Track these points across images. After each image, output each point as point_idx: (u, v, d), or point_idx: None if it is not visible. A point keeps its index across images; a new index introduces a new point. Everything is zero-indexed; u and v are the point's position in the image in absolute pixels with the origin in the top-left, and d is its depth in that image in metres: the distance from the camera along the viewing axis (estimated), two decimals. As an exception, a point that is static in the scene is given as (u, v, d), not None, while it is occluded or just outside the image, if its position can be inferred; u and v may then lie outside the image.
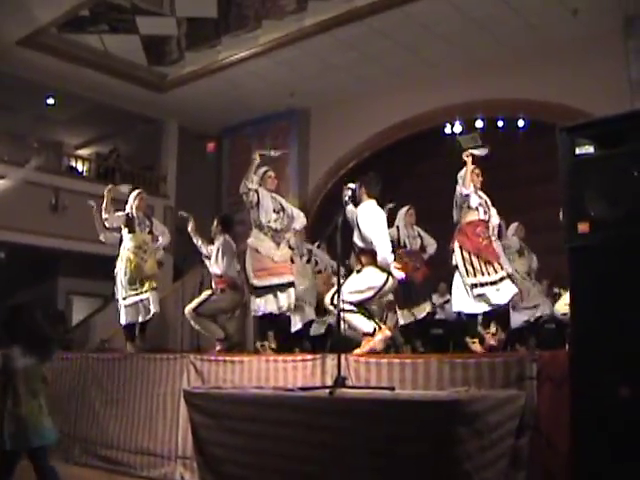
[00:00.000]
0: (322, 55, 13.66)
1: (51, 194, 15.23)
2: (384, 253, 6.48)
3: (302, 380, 5.90)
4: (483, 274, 7.24)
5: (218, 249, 8.63)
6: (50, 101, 16.16)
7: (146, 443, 7.24)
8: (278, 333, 8.15)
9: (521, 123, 13.48)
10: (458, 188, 7.62)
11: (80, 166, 18.25)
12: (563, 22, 11.81)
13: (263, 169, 8.30)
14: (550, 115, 11.97)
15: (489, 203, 7.69)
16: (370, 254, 6.57)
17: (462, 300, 7.37)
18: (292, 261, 8.69)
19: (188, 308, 8.48)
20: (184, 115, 16.96)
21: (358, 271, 6.70)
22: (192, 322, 8.58)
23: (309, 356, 6.10)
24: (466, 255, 7.31)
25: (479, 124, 13.86)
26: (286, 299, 7.94)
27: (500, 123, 13.76)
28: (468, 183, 7.52)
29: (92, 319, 15.81)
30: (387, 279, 6.56)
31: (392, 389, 5.03)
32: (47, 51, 13.85)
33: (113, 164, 18.21)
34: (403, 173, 14.78)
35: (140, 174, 17.74)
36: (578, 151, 4.53)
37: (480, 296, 7.24)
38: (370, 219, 6.61)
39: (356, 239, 6.66)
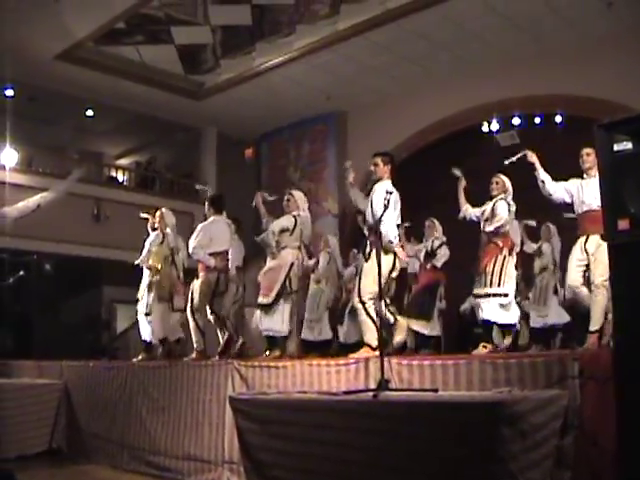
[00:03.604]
0: (357, 58, 13.68)
1: (93, 204, 15.47)
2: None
3: (346, 384, 5.90)
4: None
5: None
6: (89, 113, 16.39)
7: (193, 449, 7.30)
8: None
9: (559, 119, 13.38)
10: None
11: (120, 176, 18.47)
12: (599, 15, 11.70)
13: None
14: (589, 110, 11.86)
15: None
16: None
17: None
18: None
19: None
20: (222, 122, 17.08)
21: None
22: None
23: (352, 360, 6.11)
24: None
25: (516, 121, 13.81)
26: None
27: (537, 120, 13.67)
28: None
29: (136, 327, 15.98)
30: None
31: (435, 391, 5.03)
32: (85, 64, 14.06)
33: (152, 173, 18.39)
34: (440, 173, 14.69)
35: (180, 182, 17.91)
36: (616, 147, 4.49)
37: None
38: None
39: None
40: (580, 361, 4.59)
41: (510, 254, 7.44)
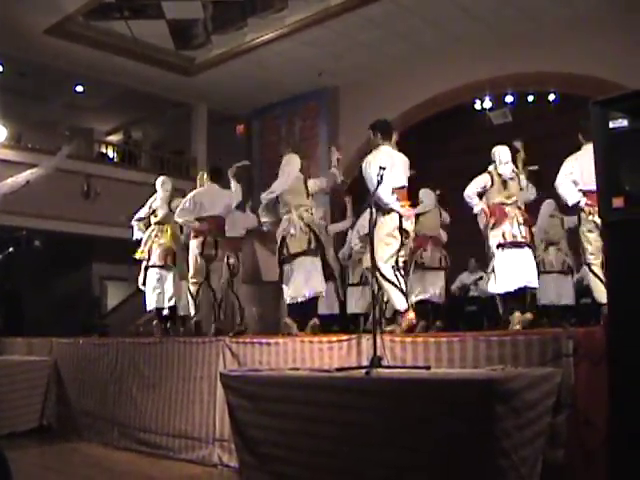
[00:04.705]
0: (349, 34, 13.58)
1: (83, 181, 15.38)
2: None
3: (338, 361, 5.88)
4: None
5: None
6: (79, 88, 16.26)
7: (184, 426, 7.28)
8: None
9: (552, 97, 13.34)
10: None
11: (111, 152, 18.37)
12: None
13: None
14: (582, 88, 11.82)
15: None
16: None
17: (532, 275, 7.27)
18: None
19: None
20: (213, 98, 16.98)
21: None
22: None
23: (344, 336, 6.08)
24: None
25: (509, 99, 13.76)
26: None
27: (530, 98, 13.63)
28: None
29: (126, 304, 15.97)
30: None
31: (428, 368, 5.01)
32: (75, 39, 13.94)
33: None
34: (433, 151, 14.68)
35: (170, 158, 17.82)
36: (612, 124, 4.45)
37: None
38: None
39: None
40: (574, 339, 4.57)
41: None
